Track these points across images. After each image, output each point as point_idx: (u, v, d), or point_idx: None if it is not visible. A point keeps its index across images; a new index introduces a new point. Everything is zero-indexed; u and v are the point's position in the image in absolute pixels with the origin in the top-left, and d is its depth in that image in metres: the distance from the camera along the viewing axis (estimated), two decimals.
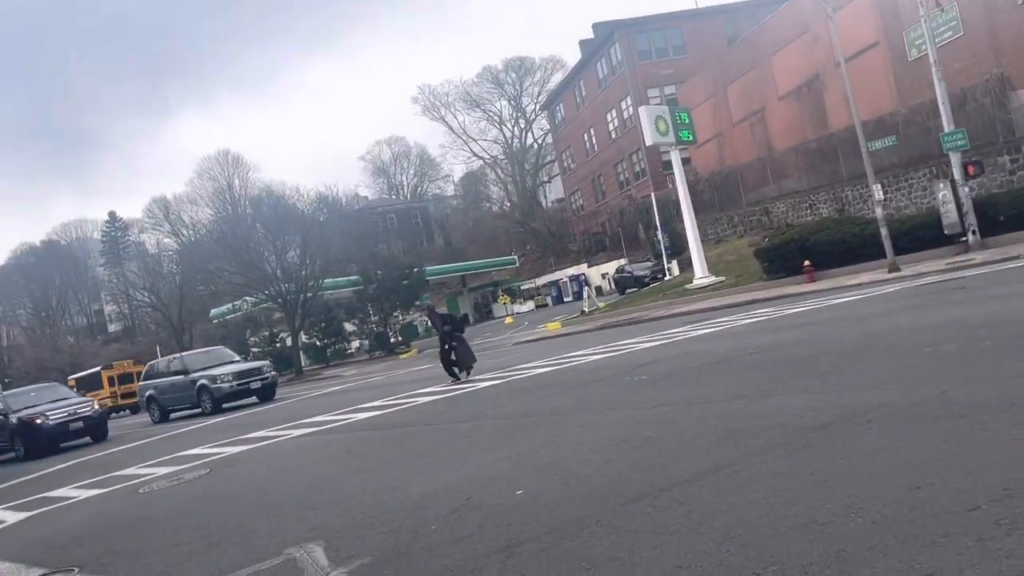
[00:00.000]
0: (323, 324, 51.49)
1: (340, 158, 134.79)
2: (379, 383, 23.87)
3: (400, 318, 52.49)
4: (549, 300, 60.67)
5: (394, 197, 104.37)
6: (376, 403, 16.21)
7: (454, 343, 17.14)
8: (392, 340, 50.00)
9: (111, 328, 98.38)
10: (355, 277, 51.66)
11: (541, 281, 65.36)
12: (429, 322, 18.38)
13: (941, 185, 23.52)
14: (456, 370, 17.04)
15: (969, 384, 6.87)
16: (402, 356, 43.12)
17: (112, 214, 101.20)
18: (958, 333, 9.65)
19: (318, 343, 52.73)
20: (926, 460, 5.03)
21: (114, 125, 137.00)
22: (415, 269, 51.64)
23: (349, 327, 54.07)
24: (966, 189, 22.88)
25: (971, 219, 22.57)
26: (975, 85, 28.26)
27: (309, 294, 47.57)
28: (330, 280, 50.51)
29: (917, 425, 5.93)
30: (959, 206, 22.74)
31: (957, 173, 23.03)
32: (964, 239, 22.74)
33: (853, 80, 26.30)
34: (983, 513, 3.97)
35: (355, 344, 55.37)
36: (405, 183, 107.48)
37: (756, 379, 9.41)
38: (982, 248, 22.10)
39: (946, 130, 23.55)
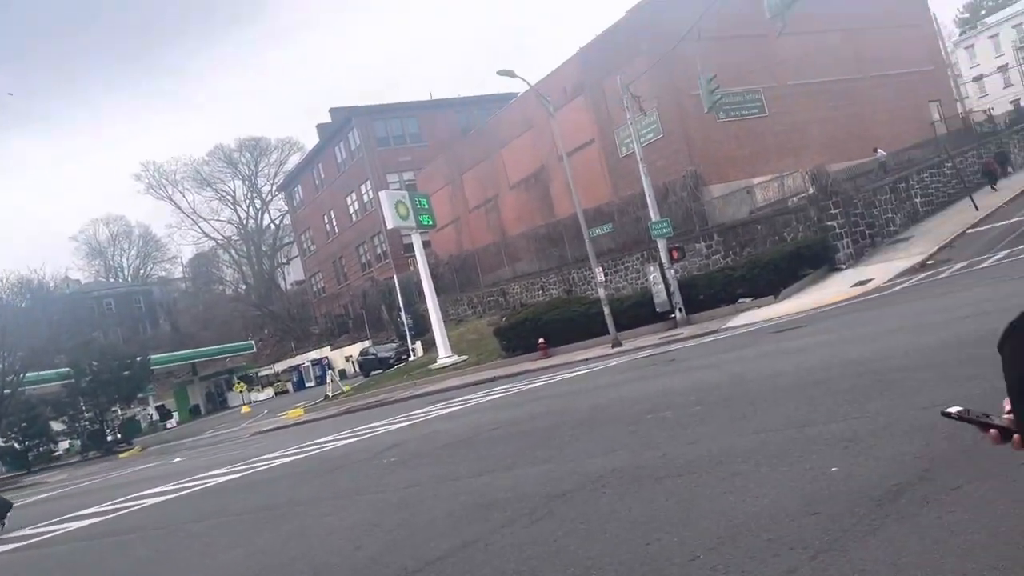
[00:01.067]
0: (24, 424, 45.17)
1: (48, 238, 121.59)
2: (95, 487, 21.45)
3: (120, 413, 47.64)
4: (290, 386, 58.42)
5: (112, 280, 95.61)
6: (93, 509, 14.52)
7: None
8: (110, 438, 45.16)
9: None
10: (65, 369, 46.23)
11: (281, 366, 62.85)
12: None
13: (651, 268, 26.31)
14: None
15: (684, 446, 7.67)
16: (122, 455, 39.04)
17: None
18: (672, 400, 10.76)
19: (17, 446, 46.09)
20: (653, 517, 5.53)
21: None
22: (138, 358, 47.40)
23: (57, 426, 47.95)
24: (672, 271, 25.78)
25: (677, 298, 25.41)
26: (675, 180, 32.29)
27: (7, 391, 41.80)
28: (33, 374, 44.78)
29: (644, 486, 6.50)
30: (667, 286, 25.53)
31: (664, 257, 25.91)
32: (673, 316, 25.50)
33: (574, 172, 28.90)
34: (701, 562, 4.45)
35: (64, 445, 49.15)
36: (126, 265, 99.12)
37: (500, 453, 9.76)
38: (688, 323, 24.90)
39: (653, 219, 26.52)
